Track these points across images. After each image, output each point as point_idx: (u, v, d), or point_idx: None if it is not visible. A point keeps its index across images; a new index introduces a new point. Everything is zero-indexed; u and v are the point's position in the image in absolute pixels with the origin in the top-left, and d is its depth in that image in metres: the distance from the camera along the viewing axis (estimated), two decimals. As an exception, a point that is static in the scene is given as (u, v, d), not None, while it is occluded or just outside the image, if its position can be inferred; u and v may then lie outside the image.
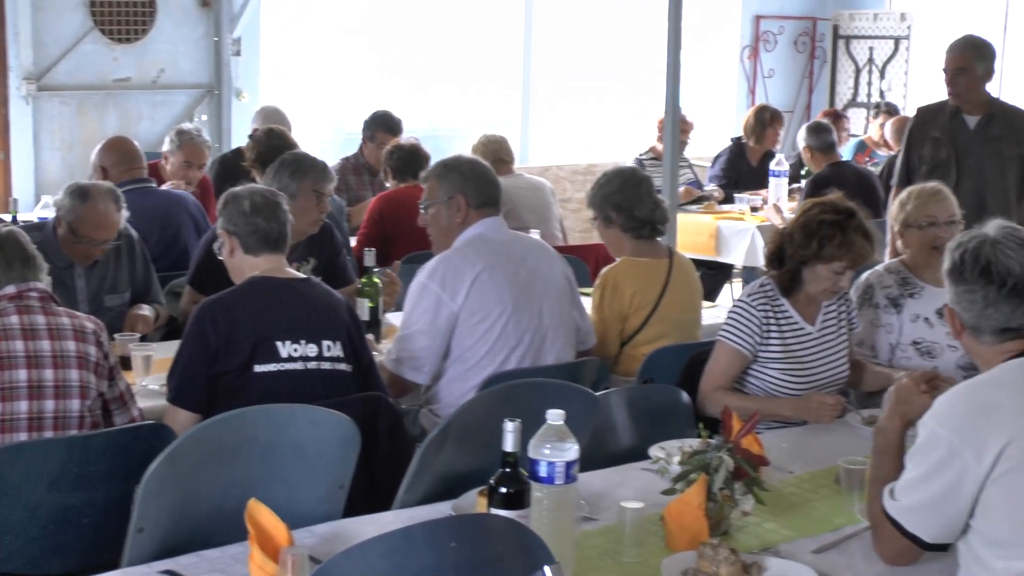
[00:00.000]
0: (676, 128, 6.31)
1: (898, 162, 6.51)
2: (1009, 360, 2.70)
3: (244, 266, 3.82)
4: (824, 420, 3.79)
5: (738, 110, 11.88)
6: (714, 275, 8.58)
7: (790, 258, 3.90)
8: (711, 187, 8.71)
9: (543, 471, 2.59)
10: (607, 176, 4.74)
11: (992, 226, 2.80)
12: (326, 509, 3.11)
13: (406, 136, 7.43)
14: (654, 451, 3.35)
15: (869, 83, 12.28)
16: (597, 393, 3.69)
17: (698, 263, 8.10)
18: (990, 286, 2.71)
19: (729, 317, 3.94)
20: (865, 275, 4.37)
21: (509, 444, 2.55)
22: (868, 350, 4.27)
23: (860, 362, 4.13)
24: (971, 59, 6.16)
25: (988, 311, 2.73)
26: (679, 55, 6.08)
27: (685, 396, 3.84)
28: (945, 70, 6.21)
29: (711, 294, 8.46)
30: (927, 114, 6.43)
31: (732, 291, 8.86)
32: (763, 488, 2.95)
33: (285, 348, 3.63)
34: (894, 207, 4.50)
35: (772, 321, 3.90)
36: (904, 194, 4.48)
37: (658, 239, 4.79)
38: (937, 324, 4.20)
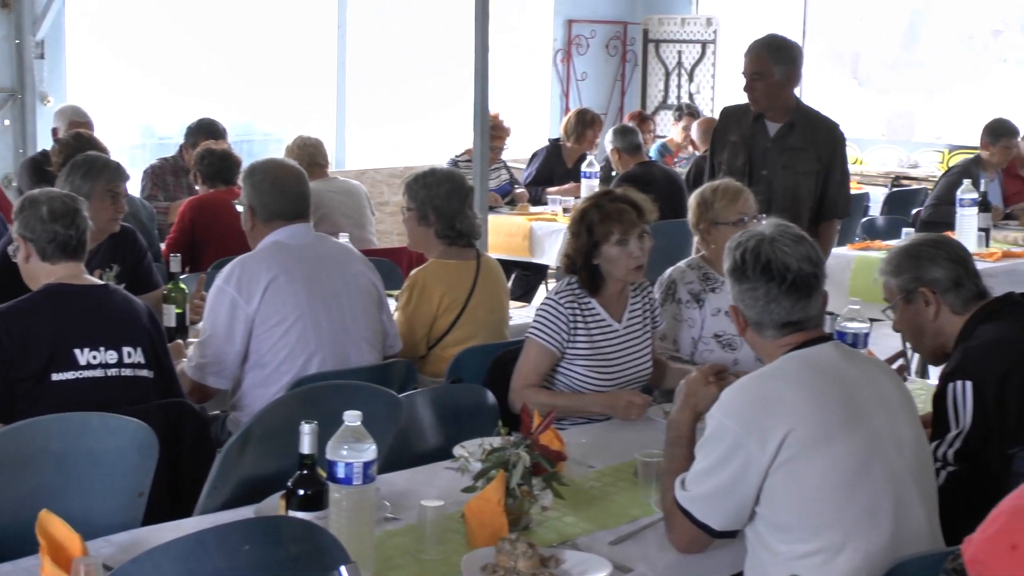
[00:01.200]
0: (486, 131, 6.38)
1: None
2: (790, 352, 2.83)
3: (40, 273, 3.73)
4: (632, 418, 3.88)
5: (552, 113, 12.06)
6: (529, 276, 8.70)
7: (578, 258, 3.99)
8: (520, 189, 8.79)
9: (341, 472, 2.60)
10: (436, 177, 4.66)
11: (768, 224, 2.93)
12: (125, 517, 3.07)
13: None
14: (457, 450, 3.38)
15: (679, 86, 12.59)
16: (404, 394, 3.72)
17: (513, 264, 8.26)
18: (771, 282, 2.83)
19: (538, 315, 4.01)
20: (668, 271, 4.47)
21: (306, 446, 2.56)
22: (671, 344, 4.38)
23: (661, 360, 4.24)
24: (768, 62, 5.70)
25: (770, 307, 2.85)
26: (487, 58, 6.15)
27: (491, 395, 3.89)
28: (743, 74, 5.80)
29: (527, 294, 8.58)
30: (730, 117, 6.03)
31: (547, 291, 8.96)
32: (562, 483, 3.01)
33: (84, 356, 3.57)
34: (693, 205, 4.57)
35: (580, 318, 3.98)
36: (708, 192, 4.51)
37: (465, 241, 4.82)
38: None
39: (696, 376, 3.05)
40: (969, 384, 3.15)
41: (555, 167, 8.94)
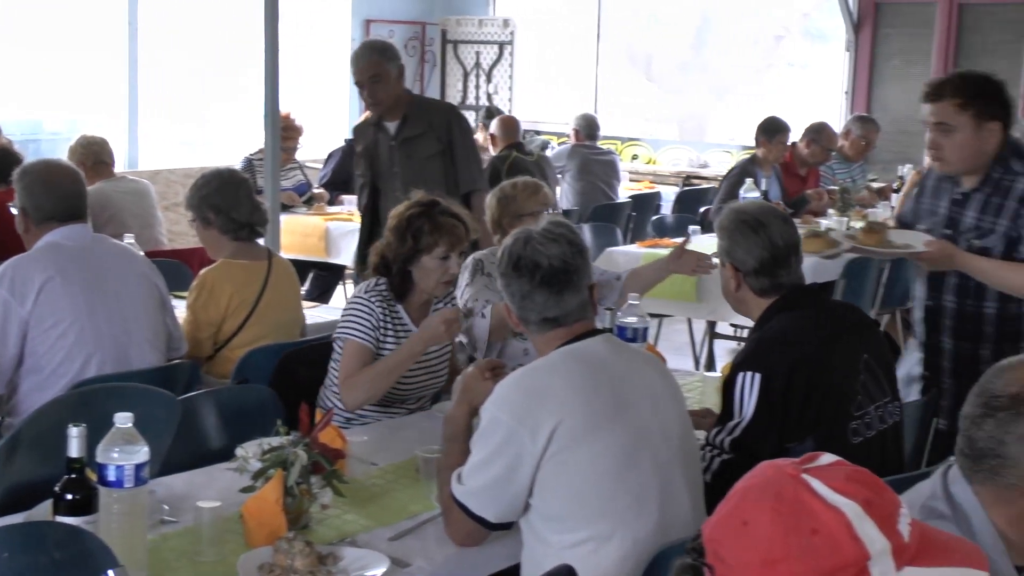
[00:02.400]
0: (276, 130, 6.34)
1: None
2: (559, 347, 2.90)
3: None
4: (454, 331, 3.91)
5: (349, 113, 12.02)
6: (326, 276, 8.65)
7: (394, 262, 3.98)
8: (318, 189, 8.75)
9: (111, 475, 2.57)
10: (205, 178, 4.68)
11: (542, 220, 3.02)
12: None
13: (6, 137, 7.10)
14: (239, 451, 3.36)
15: (477, 86, 12.69)
16: (186, 396, 3.67)
17: (310, 264, 8.21)
18: (522, 279, 2.93)
19: (348, 315, 3.96)
20: (473, 255, 4.52)
21: (73, 450, 2.52)
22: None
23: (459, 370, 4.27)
24: (383, 63, 5.85)
25: (525, 303, 2.94)
26: (277, 57, 6.11)
27: (275, 396, 3.86)
28: (360, 84, 5.86)
29: (324, 294, 8.53)
30: (359, 132, 6.20)
31: (345, 291, 8.95)
32: (343, 481, 3.02)
33: None
34: (493, 202, 4.63)
35: (389, 322, 3.98)
36: (508, 188, 4.61)
37: (258, 241, 4.80)
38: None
39: (472, 372, 3.10)
40: (758, 376, 3.20)
41: (350, 168, 8.89)
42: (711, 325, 7.59)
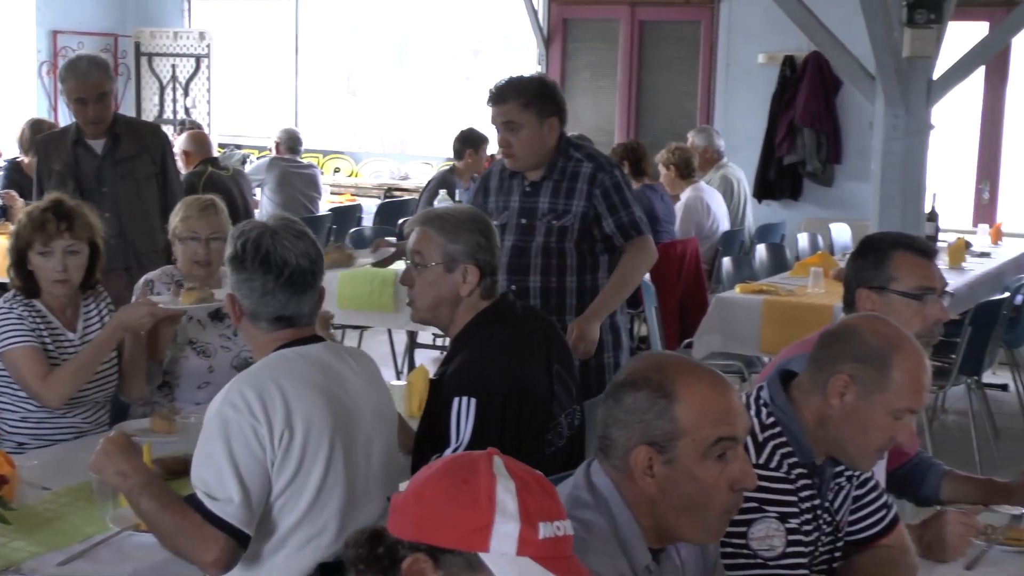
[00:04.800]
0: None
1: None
2: (280, 348, 2.92)
3: None
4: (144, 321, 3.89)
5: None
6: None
7: (13, 260, 3.92)
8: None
9: None
10: None
11: (273, 217, 3.02)
12: None
13: None
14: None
15: (174, 100, 12.43)
16: None
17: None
18: (268, 275, 2.90)
19: None
20: (144, 277, 4.44)
21: None
22: None
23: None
24: (110, 81, 5.77)
25: (266, 299, 2.92)
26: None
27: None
28: (83, 100, 5.62)
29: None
30: (49, 146, 5.88)
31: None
32: (9, 508, 2.94)
33: None
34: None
35: (36, 323, 3.89)
36: (179, 205, 4.51)
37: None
38: (209, 326, 4.35)
39: (101, 447, 2.87)
40: (474, 401, 3.18)
41: (20, 182, 8.48)
42: (411, 336, 7.69)
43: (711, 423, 2.14)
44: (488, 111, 4.68)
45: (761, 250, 8.23)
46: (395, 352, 8.25)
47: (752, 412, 2.64)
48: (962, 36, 6.27)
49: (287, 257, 2.91)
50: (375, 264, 4.87)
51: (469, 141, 8.31)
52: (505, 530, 1.70)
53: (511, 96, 4.54)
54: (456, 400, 3.19)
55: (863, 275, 3.31)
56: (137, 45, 12.51)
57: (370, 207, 10.53)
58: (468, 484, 1.73)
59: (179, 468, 3.26)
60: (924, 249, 3.37)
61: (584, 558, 1.79)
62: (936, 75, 5.58)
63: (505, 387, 3.23)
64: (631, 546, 2.16)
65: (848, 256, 3.72)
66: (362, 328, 7.94)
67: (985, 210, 9.83)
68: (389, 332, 8.30)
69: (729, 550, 2.50)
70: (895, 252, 3.29)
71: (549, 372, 3.39)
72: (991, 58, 5.82)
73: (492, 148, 8.58)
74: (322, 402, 2.84)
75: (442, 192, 7.58)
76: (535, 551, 1.70)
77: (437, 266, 3.29)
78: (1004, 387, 8.18)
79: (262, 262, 2.91)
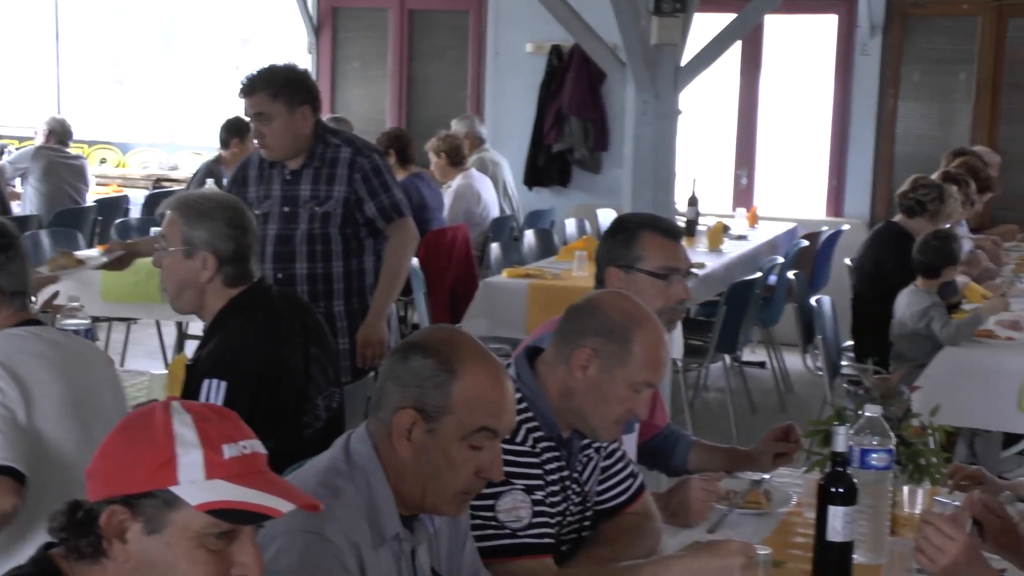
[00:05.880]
0: None
1: None
2: (17, 325, 2.94)
3: None
4: None
5: None
6: None
7: None
8: None
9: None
10: None
11: None
12: None
13: None
14: None
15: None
16: None
17: None
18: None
19: None
20: None
21: None
22: None
23: None
24: None
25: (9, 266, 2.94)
26: None
27: None
28: None
29: None
30: None
31: None
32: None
33: None
34: None
35: None
36: None
37: None
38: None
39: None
40: (224, 384, 3.20)
41: None
42: (180, 326, 7.57)
43: (481, 411, 2.23)
44: (251, 101, 4.64)
45: (530, 236, 8.38)
46: (164, 344, 8.11)
47: None
48: (711, 26, 6.51)
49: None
50: (105, 266, 4.81)
51: (235, 130, 8.19)
52: (189, 459, 1.73)
53: (259, 87, 4.52)
54: (207, 382, 3.20)
55: (612, 254, 3.41)
56: None
57: (138, 198, 10.27)
58: (145, 429, 1.76)
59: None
60: (670, 230, 3.49)
61: (323, 527, 1.82)
62: (684, 62, 5.77)
63: (258, 370, 3.25)
64: (382, 513, 2.22)
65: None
66: (129, 320, 7.78)
67: (743, 195, 10.22)
68: (158, 324, 8.15)
69: (478, 522, 2.58)
70: (643, 232, 3.40)
71: (306, 355, 3.41)
72: (731, 46, 6.03)
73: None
74: (59, 377, 2.88)
75: (209, 182, 7.47)
76: (224, 471, 1.74)
77: (176, 252, 3.31)
78: (762, 364, 8.54)
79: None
